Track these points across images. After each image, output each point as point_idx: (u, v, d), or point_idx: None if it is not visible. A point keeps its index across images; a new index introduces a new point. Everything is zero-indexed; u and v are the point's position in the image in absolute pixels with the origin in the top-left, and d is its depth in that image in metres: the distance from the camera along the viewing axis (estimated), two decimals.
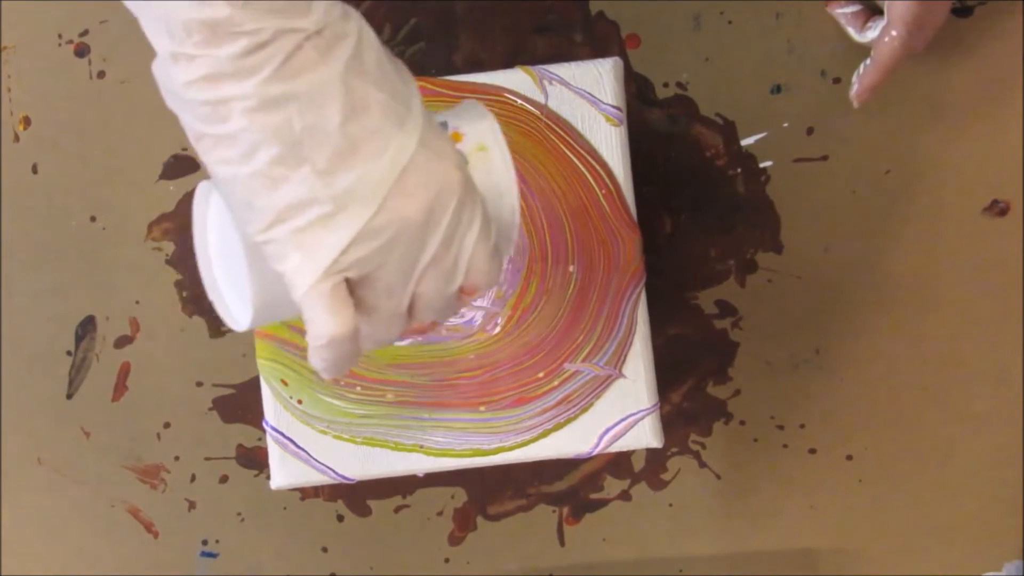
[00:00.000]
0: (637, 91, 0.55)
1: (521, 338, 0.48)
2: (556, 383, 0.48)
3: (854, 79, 0.52)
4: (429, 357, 0.48)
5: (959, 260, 0.55)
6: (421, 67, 0.55)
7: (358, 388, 0.48)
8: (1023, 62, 0.54)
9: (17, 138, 0.56)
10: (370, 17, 0.55)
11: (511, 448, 0.48)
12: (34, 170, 0.56)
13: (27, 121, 0.56)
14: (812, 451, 0.55)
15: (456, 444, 0.48)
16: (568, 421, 0.48)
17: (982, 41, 0.54)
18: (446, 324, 0.48)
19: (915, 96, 0.54)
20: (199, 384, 0.56)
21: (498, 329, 0.48)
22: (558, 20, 0.55)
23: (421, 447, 0.48)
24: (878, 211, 0.55)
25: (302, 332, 0.47)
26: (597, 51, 0.55)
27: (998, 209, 0.54)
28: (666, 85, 0.55)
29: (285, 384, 0.48)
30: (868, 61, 0.51)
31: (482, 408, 0.48)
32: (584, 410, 0.48)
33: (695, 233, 0.55)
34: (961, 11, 0.54)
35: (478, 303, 0.47)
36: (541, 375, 0.48)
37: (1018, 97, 0.54)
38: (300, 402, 0.48)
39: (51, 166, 0.56)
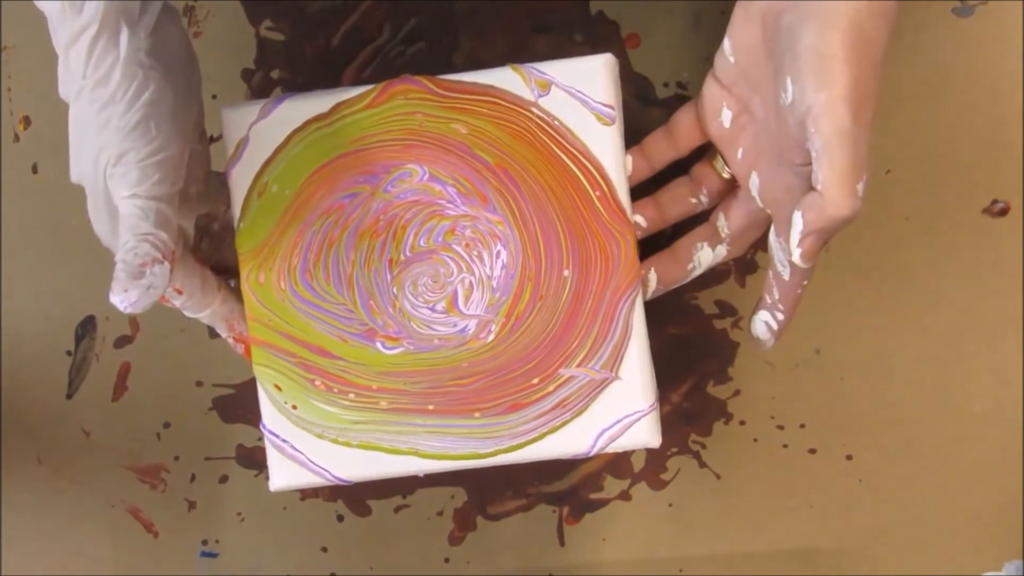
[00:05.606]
0: (637, 91, 0.55)
1: (515, 345, 0.47)
2: (551, 388, 0.47)
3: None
4: (422, 365, 0.48)
5: (959, 260, 0.54)
6: (421, 67, 0.54)
7: (351, 395, 0.48)
8: (1023, 62, 0.53)
9: (17, 138, 0.56)
10: (370, 17, 0.55)
11: (507, 451, 0.48)
12: (34, 170, 0.56)
13: (27, 121, 0.56)
14: (812, 451, 0.55)
15: (452, 448, 0.48)
16: (564, 424, 0.47)
17: (982, 41, 0.54)
18: (439, 333, 0.48)
19: (914, 96, 0.54)
20: (199, 384, 0.56)
21: (492, 336, 0.47)
22: (558, 20, 0.55)
23: (417, 451, 0.48)
24: (878, 211, 0.54)
25: (294, 339, 0.48)
26: (597, 51, 0.54)
27: (998, 209, 0.54)
28: (666, 85, 0.55)
29: (279, 389, 0.48)
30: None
31: (476, 415, 0.47)
32: (579, 413, 0.47)
33: None
34: (961, 11, 0.54)
35: (471, 311, 0.47)
36: (536, 381, 0.47)
37: (1018, 97, 0.54)
38: (295, 407, 0.48)
39: (51, 166, 0.56)
